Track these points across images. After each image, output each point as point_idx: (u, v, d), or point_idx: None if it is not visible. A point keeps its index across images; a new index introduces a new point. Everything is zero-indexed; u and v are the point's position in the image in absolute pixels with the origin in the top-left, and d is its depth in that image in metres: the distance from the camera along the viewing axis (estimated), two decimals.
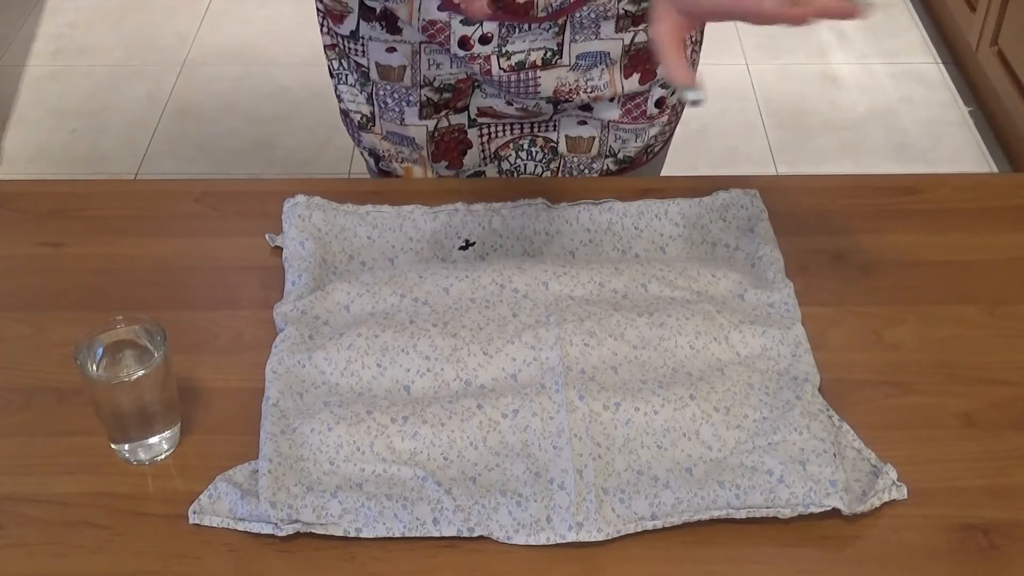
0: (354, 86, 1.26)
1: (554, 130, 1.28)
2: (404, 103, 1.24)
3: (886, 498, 0.90)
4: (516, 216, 1.14)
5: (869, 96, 2.90)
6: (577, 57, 1.19)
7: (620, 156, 1.30)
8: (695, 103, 0.91)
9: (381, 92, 1.24)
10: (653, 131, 1.29)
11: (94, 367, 0.92)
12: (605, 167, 1.31)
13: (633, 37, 1.19)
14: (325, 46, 1.27)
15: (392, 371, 0.99)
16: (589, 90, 1.21)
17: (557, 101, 1.22)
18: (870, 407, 0.98)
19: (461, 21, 1.15)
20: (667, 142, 1.35)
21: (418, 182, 1.31)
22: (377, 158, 1.32)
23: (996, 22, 2.63)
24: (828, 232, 1.16)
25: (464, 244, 1.12)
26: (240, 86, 2.96)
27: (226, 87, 2.96)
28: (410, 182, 1.31)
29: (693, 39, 1.26)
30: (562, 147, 1.29)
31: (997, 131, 2.76)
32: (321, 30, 1.26)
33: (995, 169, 2.66)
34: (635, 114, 1.26)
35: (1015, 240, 1.16)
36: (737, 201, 1.15)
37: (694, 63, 1.29)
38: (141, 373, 0.90)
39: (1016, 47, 2.56)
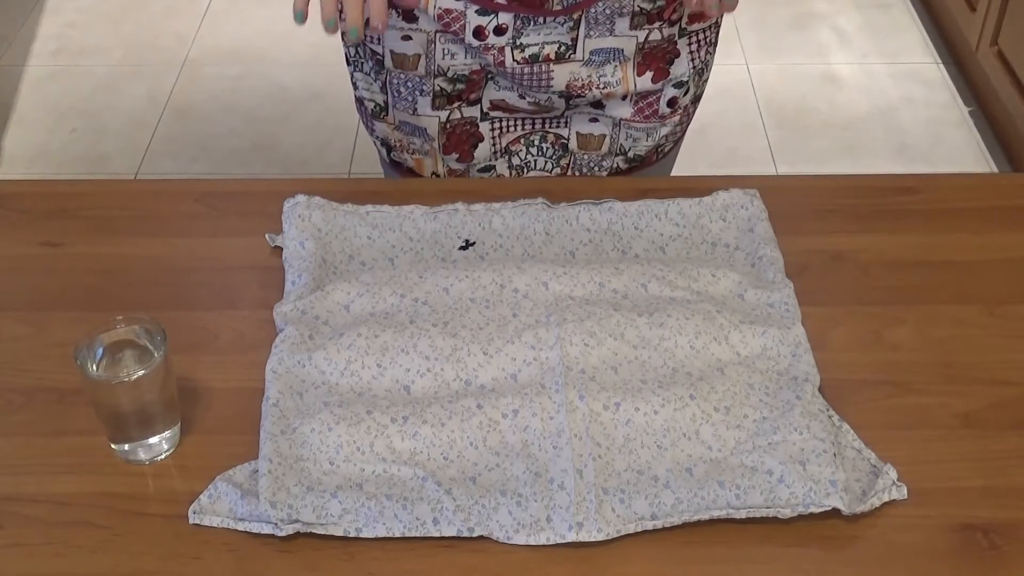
0: (369, 74, 1.27)
1: (565, 126, 1.28)
2: (417, 92, 1.24)
3: (886, 498, 0.90)
4: (516, 216, 1.14)
5: (869, 96, 2.90)
6: (591, 53, 1.19)
7: (630, 155, 1.30)
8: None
9: (395, 81, 1.25)
10: (664, 131, 1.29)
11: (94, 367, 0.92)
12: (615, 165, 1.31)
13: (647, 35, 1.19)
14: (343, 32, 1.27)
15: (392, 371, 0.99)
16: (602, 86, 1.21)
17: (569, 96, 1.23)
18: (870, 407, 0.98)
19: (476, 11, 1.15)
20: (678, 142, 1.35)
21: (418, 182, 1.31)
22: (389, 148, 1.33)
23: (996, 22, 2.63)
24: (828, 232, 1.16)
25: (464, 244, 1.12)
26: (240, 86, 2.96)
27: (226, 87, 2.96)
28: (410, 182, 1.31)
29: (708, 40, 1.26)
30: (573, 144, 1.29)
31: (997, 131, 2.75)
32: (339, 17, 1.25)
33: (995, 169, 2.66)
34: (647, 113, 1.26)
35: (1015, 240, 1.16)
36: (737, 201, 1.15)
37: (707, 65, 1.29)
38: (141, 373, 0.90)
39: (1016, 47, 2.56)
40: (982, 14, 2.69)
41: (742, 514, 0.88)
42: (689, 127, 1.35)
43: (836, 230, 1.17)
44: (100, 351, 0.93)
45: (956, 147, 2.74)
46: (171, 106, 2.89)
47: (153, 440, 0.94)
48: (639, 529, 0.88)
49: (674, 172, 1.40)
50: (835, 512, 0.88)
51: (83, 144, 2.77)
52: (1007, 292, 1.10)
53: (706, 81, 1.31)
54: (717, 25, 1.26)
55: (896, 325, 1.06)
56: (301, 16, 1.01)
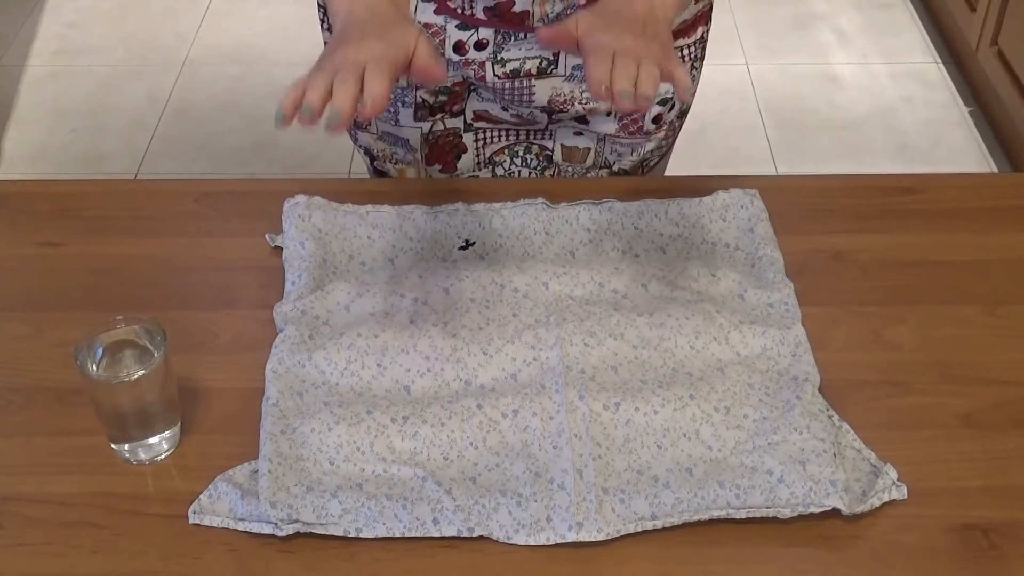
0: None
1: (550, 138, 1.27)
2: (399, 103, 1.24)
3: (886, 498, 0.90)
4: (516, 216, 1.14)
5: (869, 96, 2.90)
6: (573, 68, 1.18)
7: (615, 168, 1.30)
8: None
9: None
10: (649, 146, 1.28)
11: (94, 367, 0.92)
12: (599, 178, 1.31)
13: None
14: (326, 43, 1.27)
15: (392, 371, 0.99)
16: (584, 101, 1.21)
17: (552, 111, 1.22)
18: (870, 407, 0.98)
19: (457, 26, 1.15)
20: (664, 156, 1.35)
21: (418, 182, 1.30)
22: (372, 157, 1.32)
23: (996, 22, 2.63)
24: (828, 232, 1.16)
25: (464, 244, 1.12)
26: (240, 86, 2.96)
27: (226, 87, 2.95)
28: (410, 182, 1.31)
29: (694, 55, 1.25)
30: (557, 155, 1.28)
31: (997, 131, 2.75)
32: (322, 27, 1.25)
33: (995, 169, 2.66)
34: (631, 129, 1.25)
35: (1015, 240, 1.16)
36: (737, 201, 1.15)
37: (695, 79, 1.28)
38: (141, 373, 0.90)
39: (1016, 47, 2.56)
40: (982, 14, 2.69)
41: (742, 514, 0.88)
42: (689, 127, 1.35)
43: (836, 230, 1.16)
44: (100, 351, 0.93)
45: (956, 147, 2.74)
46: (171, 106, 2.89)
47: (153, 440, 0.94)
48: (639, 529, 0.88)
49: (674, 172, 1.40)
50: (835, 512, 0.88)
51: (83, 144, 2.77)
52: (1007, 292, 1.10)
53: (693, 95, 1.30)
54: (703, 40, 1.25)
55: (896, 325, 1.06)
56: (282, 117, 0.90)
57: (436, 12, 1.14)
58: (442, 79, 0.95)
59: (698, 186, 1.18)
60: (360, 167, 1.40)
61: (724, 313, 1.03)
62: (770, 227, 1.13)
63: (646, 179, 1.29)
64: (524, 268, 1.08)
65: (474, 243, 1.12)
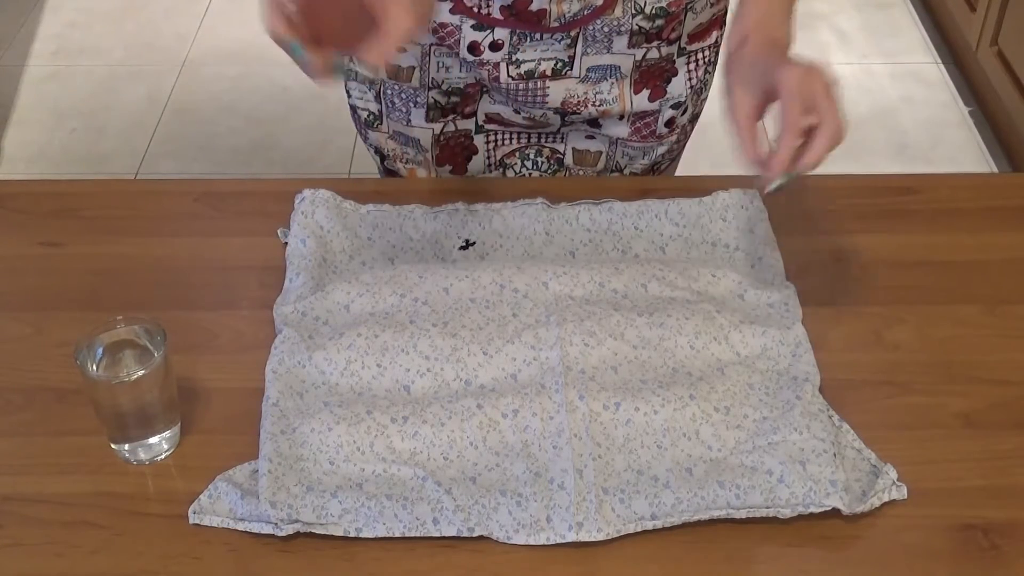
0: (363, 83, 1.26)
1: (561, 142, 1.27)
2: (411, 104, 1.24)
3: (886, 498, 0.90)
4: (516, 216, 1.14)
5: (869, 96, 2.90)
6: (587, 70, 1.18)
7: (626, 172, 1.29)
8: (779, 189, 0.95)
9: (389, 91, 1.24)
10: (661, 150, 1.28)
11: (94, 367, 0.92)
12: None
13: (645, 53, 1.18)
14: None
15: (392, 371, 0.99)
16: (598, 103, 1.20)
17: (565, 113, 1.21)
18: (870, 407, 0.98)
19: (472, 26, 1.14)
20: (675, 159, 1.34)
21: (419, 182, 1.30)
22: (383, 157, 1.32)
23: (996, 22, 2.63)
24: (828, 232, 1.16)
25: (464, 244, 1.12)
26: (240, 86, 2.96)
27: (226, 87, 2.95)
28: (411, 182, 1.31)
29: (707, 59, 1.24)
30: (568, 159, 1.28)
31: (997, 131, 2.75)
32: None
33: (995, 169, 2.66)
34: (644, 133, 1.25)
35: (1015, 240, 1.16)
36: (737, 201, 1.15)
37: (706, 84, 1.27)
38: (141, 373, 0.90)
39: (1016, 47, 2.56)
40: (982, 14, 2.69)
41: (742, 514, 0.88)
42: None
43: (836, 230, 1.16)
44: (100, 351, 0.93)
45: (956, 147, 2.74)
46: (171, 106, 2.89)
47: (153, 440, 0.94)
48: (639, 529, 0.88)
49: (677, 171, 1.40)
50: (835, 512, 0.88)
51: (83, 144, 2.77)
52: (1007, 292, 1.10)
53: (705, 99, 1.29)
54: (717, 44, 1.25)
55: (896, 325, 1.06)
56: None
57: (452, 11, 1.14)
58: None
59: (698, 186, 1.18)
60: (360, 167, 1.40)
61: (724, 313, 1.03)
62: (770, 228, 1.13)
63: (646, 179, 1.28)
64: (524, 268, 1.08)
65: (474, 243, 1.12)
